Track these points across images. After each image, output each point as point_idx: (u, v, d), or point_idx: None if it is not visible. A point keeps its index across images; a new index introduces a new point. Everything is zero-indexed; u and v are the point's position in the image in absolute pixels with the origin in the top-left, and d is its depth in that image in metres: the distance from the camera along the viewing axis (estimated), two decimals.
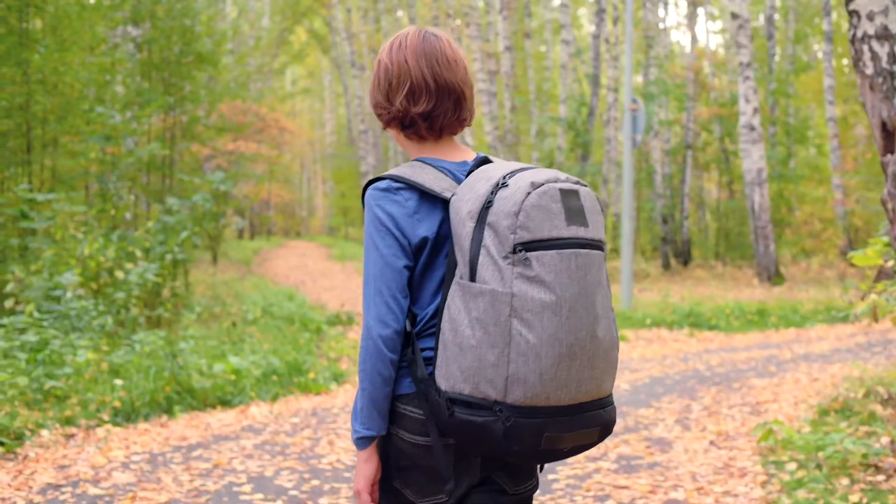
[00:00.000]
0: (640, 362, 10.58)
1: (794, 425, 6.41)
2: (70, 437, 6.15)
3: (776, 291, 19.77)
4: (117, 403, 6.77)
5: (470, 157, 2.27)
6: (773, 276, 21.29)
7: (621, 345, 12.48)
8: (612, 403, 2.15)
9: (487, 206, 2.01)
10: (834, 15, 27.98)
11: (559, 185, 2.02)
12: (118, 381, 7.17)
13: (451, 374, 2.02)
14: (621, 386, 8.61)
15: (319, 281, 22.88)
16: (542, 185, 2.00)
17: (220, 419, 6.92)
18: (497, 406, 1.96)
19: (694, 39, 28.36)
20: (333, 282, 22.82)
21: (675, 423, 6.75)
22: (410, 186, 2.16)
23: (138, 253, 11.48)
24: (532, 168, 2.08)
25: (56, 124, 13.78)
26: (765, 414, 7.08)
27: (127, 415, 6.78)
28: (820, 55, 41.62)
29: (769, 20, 29.02)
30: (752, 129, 21.14)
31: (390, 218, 2.14)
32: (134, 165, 14.54)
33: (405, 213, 2.14)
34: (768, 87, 27.75)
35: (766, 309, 15.39)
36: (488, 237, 1.99)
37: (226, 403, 7.54)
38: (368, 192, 2.20)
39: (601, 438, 2.13)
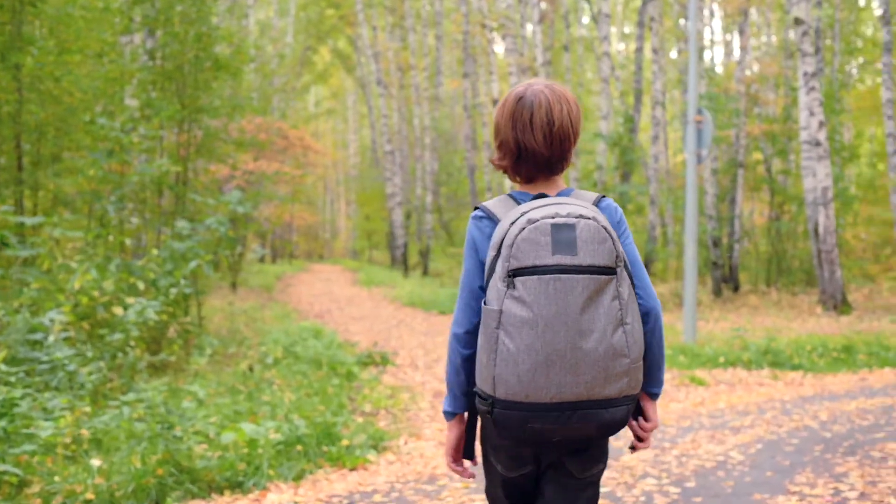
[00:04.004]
0: (734, 416, 8.84)
1: None
2: None
3: (845, 322, 17.95)
4: (90, 495, 5.10)
5: (555, 191, 2.66)
6: (840, 305, 19.46)
7: (702, 391, 10.83)
8: (620, 405, 2.39)
9: (503, 238, 2.40)
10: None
11: (554, 220, 2.36)
12: (95, 462, 5.50)
13: (476, 373, 2.47)
14: (732, 455, 6.89)
15: (346, 309, 21.28)
16: (538, 221, 2.37)
17: None
18: (490, 399, 2.38)
19: (745, 50, 26.60)
20: (362, 310, 21.20)
21: None
22: (489, 216, 2.60)
23: (140, 286, 9.87)
24: (547, 205, 2.42)
25: (55, 138, 12.23)
26: None
27: None
28: (854, 71, 39.95)
29: (817, 32, 27.27)
30: (818, 144, 19.40)
31: (472, 241, 2.62)
32: (140, 184, 12.93)
33: (483, 237, 2.59)
34: None
35: (852, 345, 13.58)
36: (499, 264, 2.39)
37: (237, 486, 5.84)
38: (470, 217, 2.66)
39: (602, 434, 2.43)
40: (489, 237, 2.55)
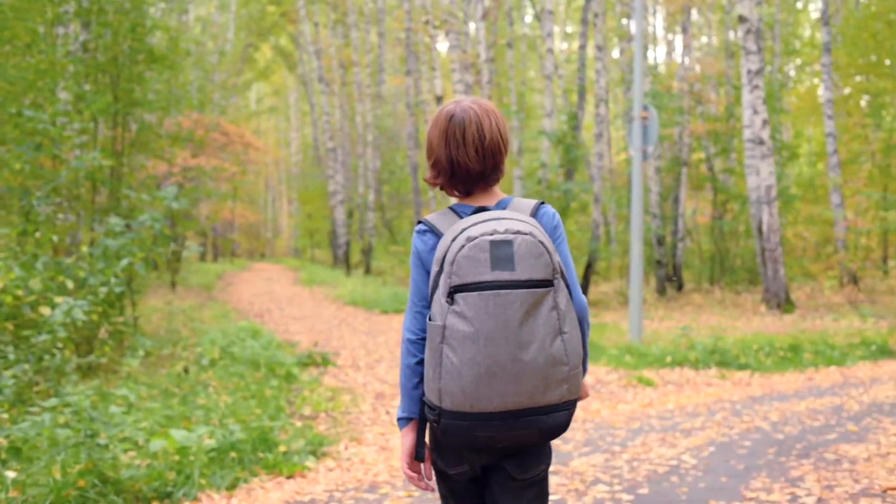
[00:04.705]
0: (684, 417, 8.65)
1: None
2: None
3: (789, 320, 17.94)
4: None
5: (494, 200, 2.75)
6: (783, 304, 19.47)
7: (650, 391, 10.66)
8: (561, 410, 2.49)
9: (445, 254, 2.49)
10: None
11: (492, 237, 2.44)
12: (10, 474, 5.11)
13: (424, 384, 2.57)
14: (685, 459, 6.67)
15: (287, 309, 20.86)
16: (476, 238, 2.45)
17: None
18: (437, 409, 2.48)
19: (688, 49, 26.60)
20: (303, 310, 20.80)
21: None
22: (432, 230, 2.69)
23: (70, 284, 9.43)
24: (486, 221, 2.50)
25: None
26: None
27: None
28: (792, 72, 40.33)
29: (758, 32, 27.35)
30: (761, 142, 19.38)
31: (418, 253, 2.72)
32: (73, 180, 12.43)
33: (426, 249, 2.69)
34: None
35: (798, 344, 13.51)
36: (442, 280, 2.48)
37: (165, 497, 5.49)
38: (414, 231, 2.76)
39: (545, 438, 2.54)
40: (433, 249, 2.65)
